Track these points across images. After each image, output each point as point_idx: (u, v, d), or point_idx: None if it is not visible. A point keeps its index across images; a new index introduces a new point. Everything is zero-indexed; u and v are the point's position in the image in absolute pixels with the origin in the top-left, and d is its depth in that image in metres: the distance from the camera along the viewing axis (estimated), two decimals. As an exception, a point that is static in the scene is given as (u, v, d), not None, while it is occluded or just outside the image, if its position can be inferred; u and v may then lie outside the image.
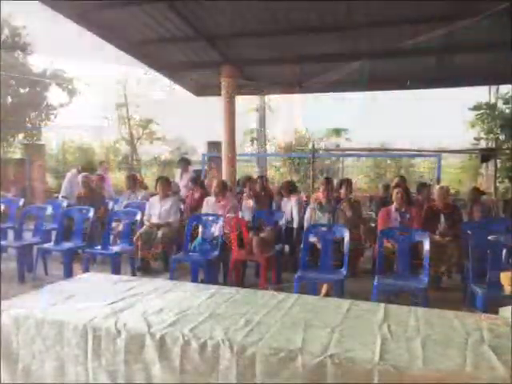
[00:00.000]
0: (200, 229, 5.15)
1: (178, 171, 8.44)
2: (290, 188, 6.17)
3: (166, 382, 2.00)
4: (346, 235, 4.17)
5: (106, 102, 19.92)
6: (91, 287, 2.71)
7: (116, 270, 4.88)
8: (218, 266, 5.02)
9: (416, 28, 5.93)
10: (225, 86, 7.57)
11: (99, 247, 5.24)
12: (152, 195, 6.37)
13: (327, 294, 4.12)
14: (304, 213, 5.28)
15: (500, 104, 11.61)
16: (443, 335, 2.01)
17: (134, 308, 2.32)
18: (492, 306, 3.19)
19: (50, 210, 5.84)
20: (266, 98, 16.82)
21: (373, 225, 6.05)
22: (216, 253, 4.78)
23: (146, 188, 7.12)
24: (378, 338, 1.95)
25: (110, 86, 19.75)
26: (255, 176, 8.70)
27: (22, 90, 14.82)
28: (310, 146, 10.10)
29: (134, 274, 5.13)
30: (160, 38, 6.81)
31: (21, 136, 15.36)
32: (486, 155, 8.81)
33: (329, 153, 12.98)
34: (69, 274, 4.94)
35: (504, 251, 3.85)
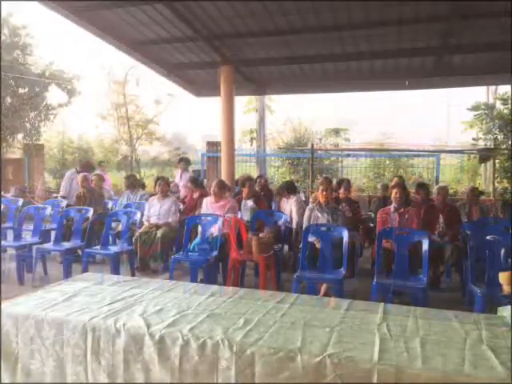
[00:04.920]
0: (199, 229, 5.15)
1: (177, 171, 8.44)
2: (290, 188, 6.17)
3: (166, 382, 2.00)
4: (345, 235, 4.18)
5: (105, 102, 19.90)
6: (90, 287, 2.71)
7: (115, 270, 4.87)
8: (217, 266, 5.01)
9: (415, 28, 5.96)
10: (224, 86, 7.57)
11: (98, 247, 5.24)
12: (151, 195, 6.37)
13: (326, 294, 4.13)
14: (303, 213, 5.28)
15: (498, 104, 11.62)
16: (442, 335, 2.01)
17: (133, 308, 2.32)
18: (491, 305, 3.20)
19: (49, 210, 5.83)
20: (266, 98, 16.82)
21: (372, 225, 6.06)
22: (215, 253, 4.78)
23: (144, 188, 7.12)
24: (377, 338, 1.95)
25: (109, 86, 19.75)
26: (254, 176, 8.71)
27: (21, 90, 14.78)
28: (310, 146, 10.10)
29: (133, 274, 5.12)
30: (159, 38, 6.82)
31: (20, 136, 15.34)
32: (484, 155, 8.81)
33: (328, 152, 12.99)
34: (68, 274, 4.94)
35: (502, 251, 3.85)
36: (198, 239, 5.07)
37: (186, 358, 1.97)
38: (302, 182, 12.67)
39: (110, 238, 5.87)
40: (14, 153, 16.96)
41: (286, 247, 5.82)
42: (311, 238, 4.49)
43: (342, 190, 5.81)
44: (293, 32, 6.21)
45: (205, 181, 9.16)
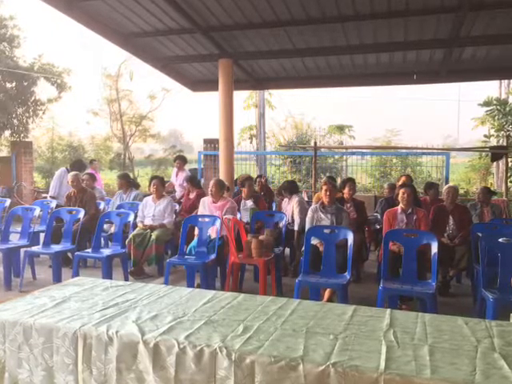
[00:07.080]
0: (196, 231, 5.15)
1: (173, 170, 8.45)
2: (291, 188, 6.17)
3: (161, 392, 2.00)
4: (350, 237, 4.18)
5: (97, 97, 19.95)
6: (81, 292, 2.71)
7: (108, 274, 4.88)
8: (214, 270, 5.02)
9: (423, 19, 5.95)
10: (222, 80, 7.56)
11: (90, 250, 5.24)
12: (145, 195, 6.37)
13: (330, 300, 4.13)
14: (305, 214, 5.28)
15: (511, 99, 11.63)
16: (452, 343, 2.01)
17: (126, 314, 2.32)
18: (503, 311, 3.21)
19: (37, 210, 5.83)
20: (266, 93, 16.83)
21: (378, 226, 6.06)
22: (213, 256, 4.78)
23: (138, 188, 7.12)
24: (383, 346, 1.95)
25: (101, 80, 19.76)
26: (254, 175, 8.72)
27: (8, 85, 14.78)
28: (312, 144, 10.11)
29: (126, 279, 5.13)
30: (155, 30, 6.81)
31: (7, 133, 15.34)
32: (496, 153, 8.81)
33: (331, 151, 12.99)
34: (58, 278, 4.94)
35: (516, 254, 3.86)
36: (195, 241, 5.07)
37: (182, 367, 1.97)
38: (305, 181, 12.67)
39: (102, 241, 5.88)
40: (1, 151, 16.97)
41: (287, 250, 5.83)
42: (314, 241, 4.50)
43: (346, 190, 5.81)
44: (294, 23, 6.20)
45: (202, 180, 9.18)
